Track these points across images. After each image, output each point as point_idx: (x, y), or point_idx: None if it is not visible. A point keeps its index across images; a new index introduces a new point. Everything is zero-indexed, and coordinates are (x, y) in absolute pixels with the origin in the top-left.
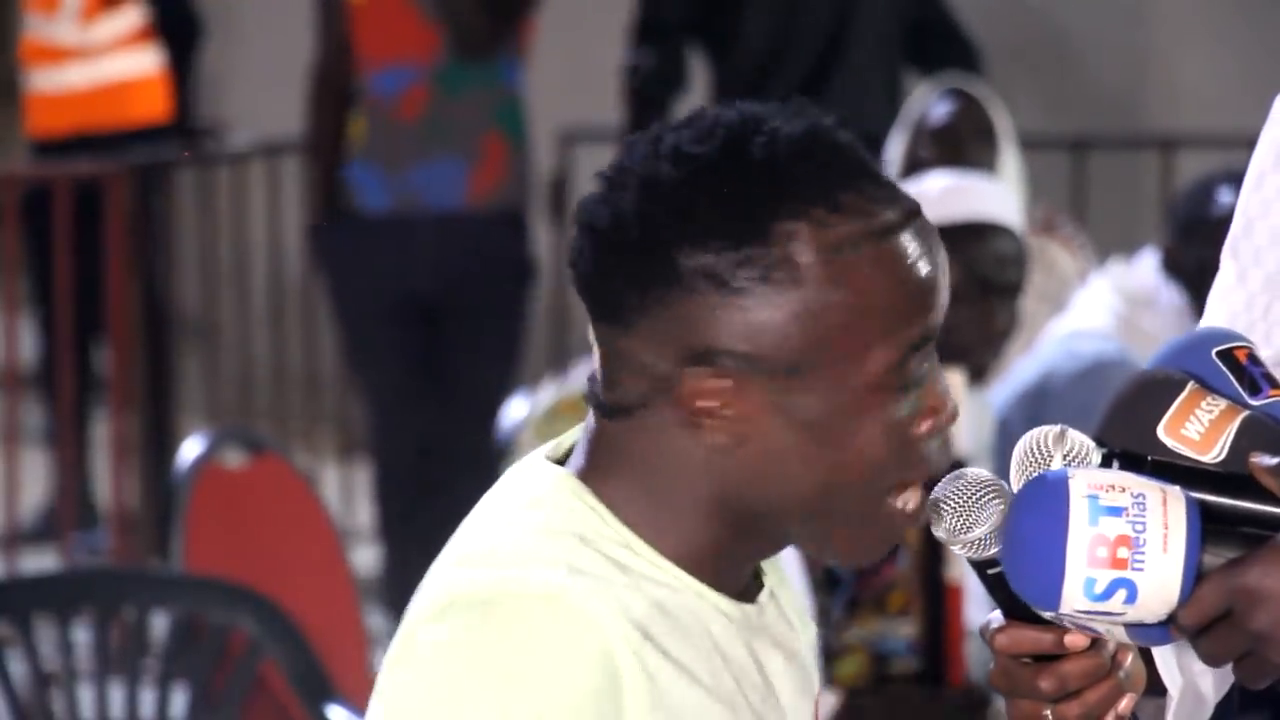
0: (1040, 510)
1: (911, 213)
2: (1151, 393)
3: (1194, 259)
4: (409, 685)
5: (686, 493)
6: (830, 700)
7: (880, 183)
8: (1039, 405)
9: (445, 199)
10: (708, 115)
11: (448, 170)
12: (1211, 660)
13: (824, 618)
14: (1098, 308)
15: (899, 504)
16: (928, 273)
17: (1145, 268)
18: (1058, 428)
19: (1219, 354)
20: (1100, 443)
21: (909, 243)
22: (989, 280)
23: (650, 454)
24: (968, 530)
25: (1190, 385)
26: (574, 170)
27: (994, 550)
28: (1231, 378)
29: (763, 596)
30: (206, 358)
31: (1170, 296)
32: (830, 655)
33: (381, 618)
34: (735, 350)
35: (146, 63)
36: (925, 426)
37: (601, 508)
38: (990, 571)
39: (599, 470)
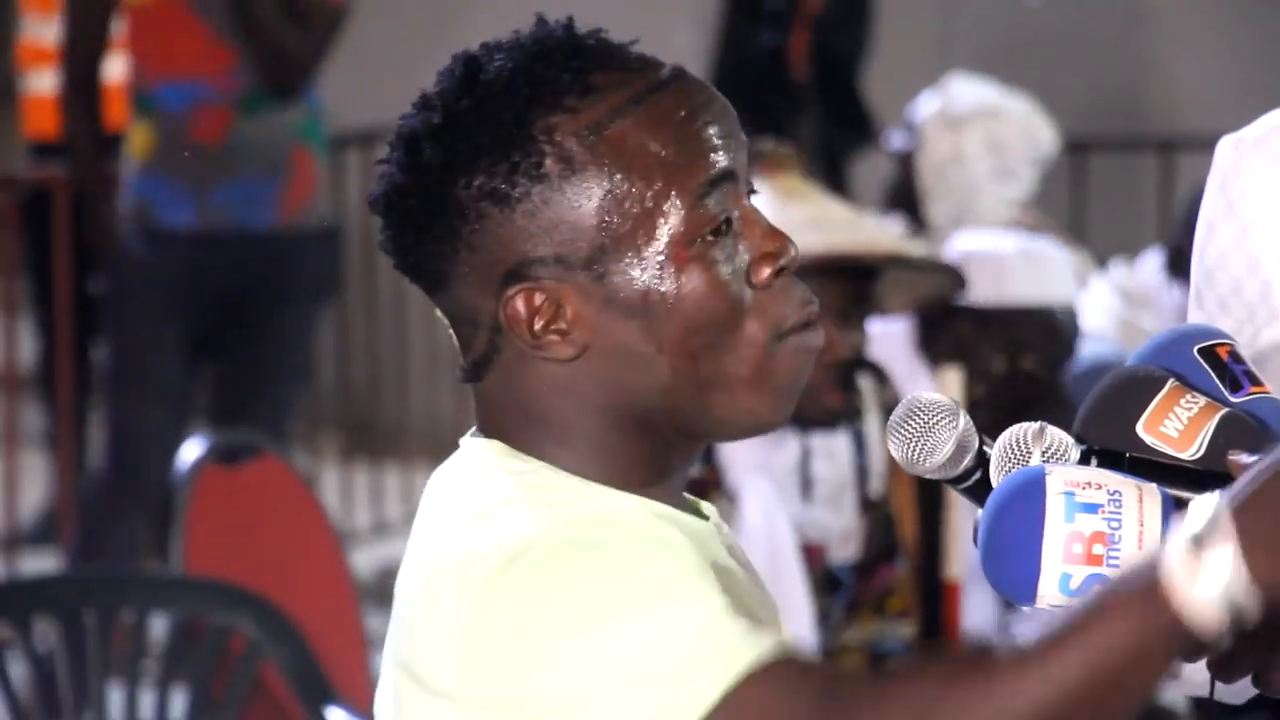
0: (1017, 506)
1: (671, 74)
2: (1131, 390)
3: None
4: (537, 609)
5: (579, 418)
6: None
7: (627, 58)
8: None
9: (256, 217)
10: (446, 67)
11: (257, 189)
12: (1187, 656)
13: (823, 619)
14: (1097, 310)
15: (791, 347)
16: (700, 121)
17: (1147, 269)
18: (1036, 425)
19: (1201, 351)
20: (1079, 439)
21: (670, 99)
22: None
23: (527, 396)
24: (927, 457)
25: (1170, 383)
26: None
27: (961, 468)
28: (1213, 375)
29: (713, 521)
30: None
31: (1172, 297)
32: (829, 655)
33: (381, 619)
34: (539, 257)
35: None
36: (766, 272)
37: (537, 462)
38: (962, 486)
39: (502, 433)
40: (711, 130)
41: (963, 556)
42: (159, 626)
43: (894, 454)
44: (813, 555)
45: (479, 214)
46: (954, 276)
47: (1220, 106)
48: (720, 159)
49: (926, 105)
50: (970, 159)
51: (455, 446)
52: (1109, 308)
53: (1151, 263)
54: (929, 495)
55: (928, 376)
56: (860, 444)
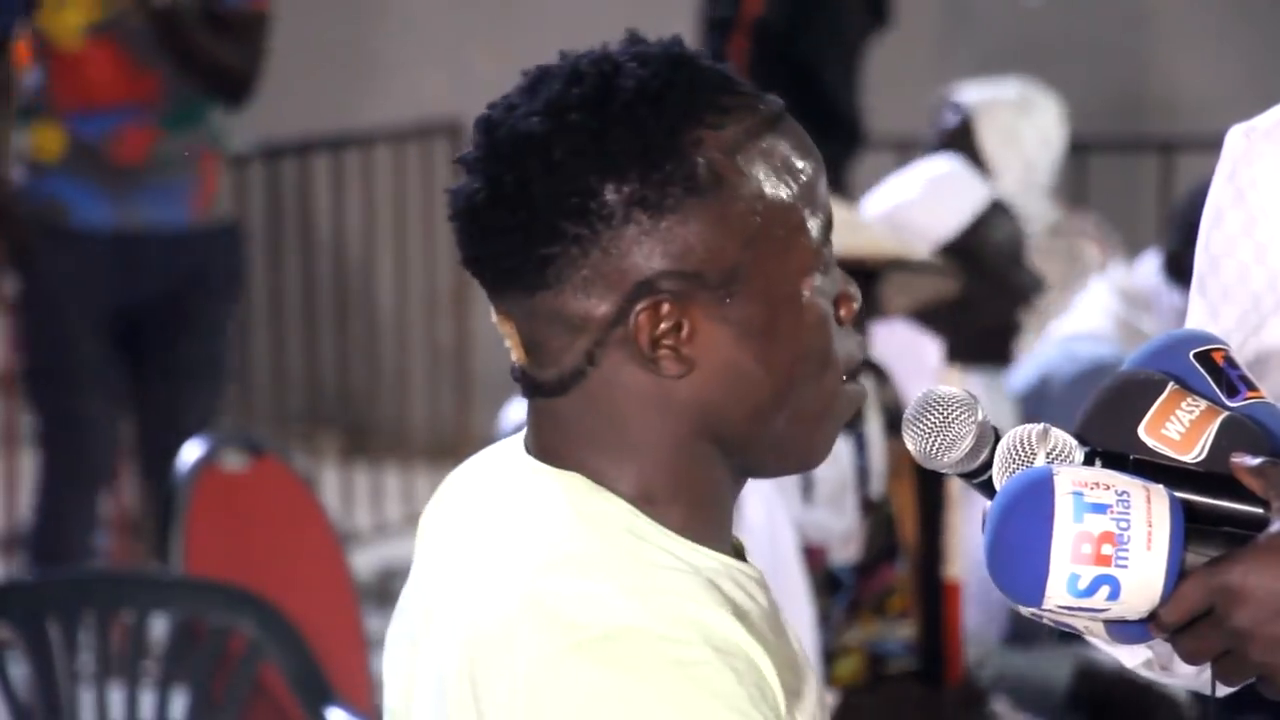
0: (1025, 507)
1: (780, 105)
2: (1132, 393)
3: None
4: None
5: (658, 440)
6: (828, 700)
7: (747, 86)
8: (1037, 408)
9: (170, 218)
10: (552, 71)
11: (171, 193)
12: (1190, 658)
13: (824, 619)
14: (1096, 310)
15: (851, 389)
16: (812, 159)
17: (1147, 270)
18: (1040, 426)
19: (1196, 356)
20: (1082, 441)
21: (791, 130)
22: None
23: (612, 412)
24: (945, 452)
25: (1170, 386)
26: None
27: (978, 463)
28: (1209, 380)
29: (749, 559)
30: None
31: (1171, 300)
32: (829, 656)
33: (381, 620)
34: (677, 270)
35: None
36: (845, 311)
37: (616, 499)
38: (977, 480)
39: (575, 452)
40: (816, 172)
41: (963, 557)
42: (159, 627)
43: (910, 448)
44: (813, 556)
45: (625, 218)
46: (953, 278)
47: (1221, 107)
48: (826, 198)
49: (975, 90)
50: (1029, 142)
51: (455, 447)
52: (1107, 308)
53: (1150, 264)
54: (929, 496)
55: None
56: (861, 445)
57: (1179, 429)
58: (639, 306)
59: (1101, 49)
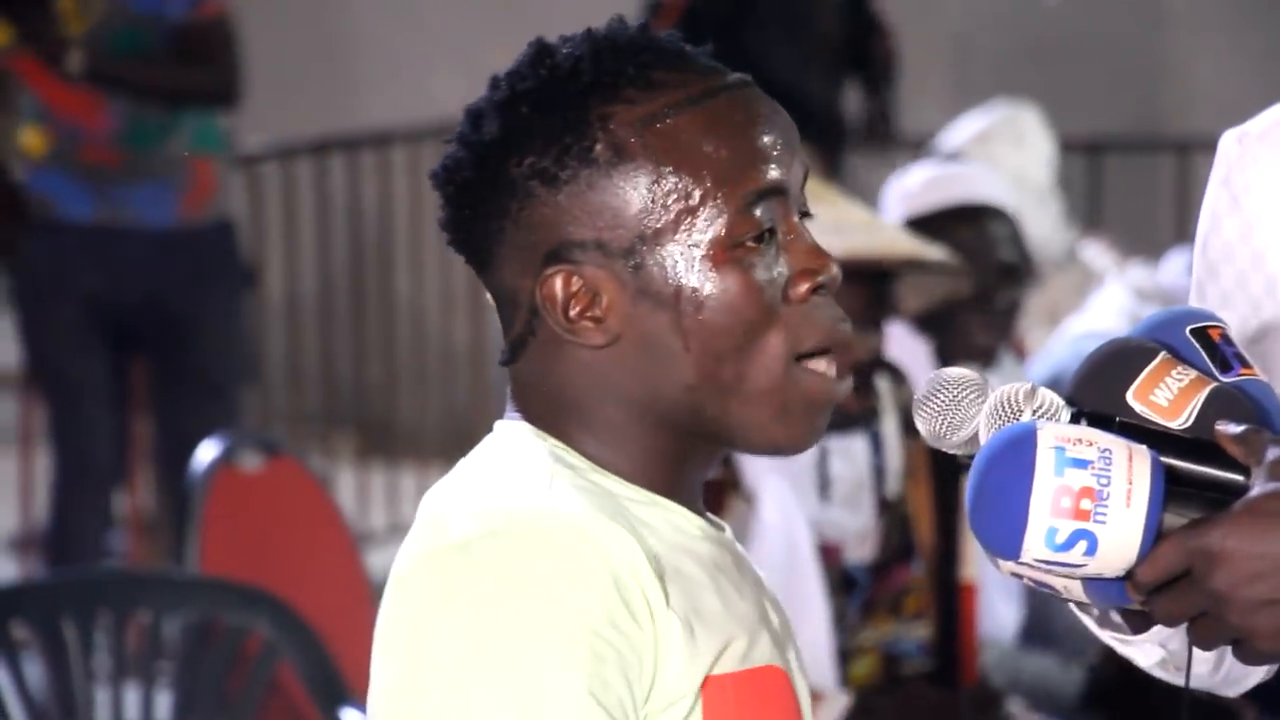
0: (1007, 459)
1: (737, 81)
2: (1123, 359)
3: None
4: (436, 619)
5: (604, 407)
6: (844, 700)
7: (697, 59)
8: None
9: (156, 217)
10: (521, 53)
11: (157, 193)
12: (1167, 620)
13: (839, 620)
14: (1111, 309)
15: (810, 371)
16: (757, 130)
17: (1173, 269)
18: (1028, 384)
19: (1193, 331)
20: (1070, 404)
21: (730, 104)
22: (986, 260)
23: (558, 379)
24: (953, 433)
25: (1162, 354)
26: None
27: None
28: (1204, 354)
29: (726, 533)
30: None
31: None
32: (844, 656)
33: None
34: (580, 240)
35: None
36: (803, 287)
37: (563, 446)
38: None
39: (532, 416)
40: (766, 141)
41: (979, 557)
42: (174, 627)
43: (920, 429)
44: (829, 555)
45: (527, 192)
46: (967, 279)
47: (1237, 107)
48: (773, 171)
49: (965, 129)
50: (1033, 171)
51: (471, 447)
52: (1122, 307)
53: (1176, 264)
54: (945, 496)
55: None
56: (877, 444)
57: (1167, 396)
58: (545, 274)
59: (1118, 49)
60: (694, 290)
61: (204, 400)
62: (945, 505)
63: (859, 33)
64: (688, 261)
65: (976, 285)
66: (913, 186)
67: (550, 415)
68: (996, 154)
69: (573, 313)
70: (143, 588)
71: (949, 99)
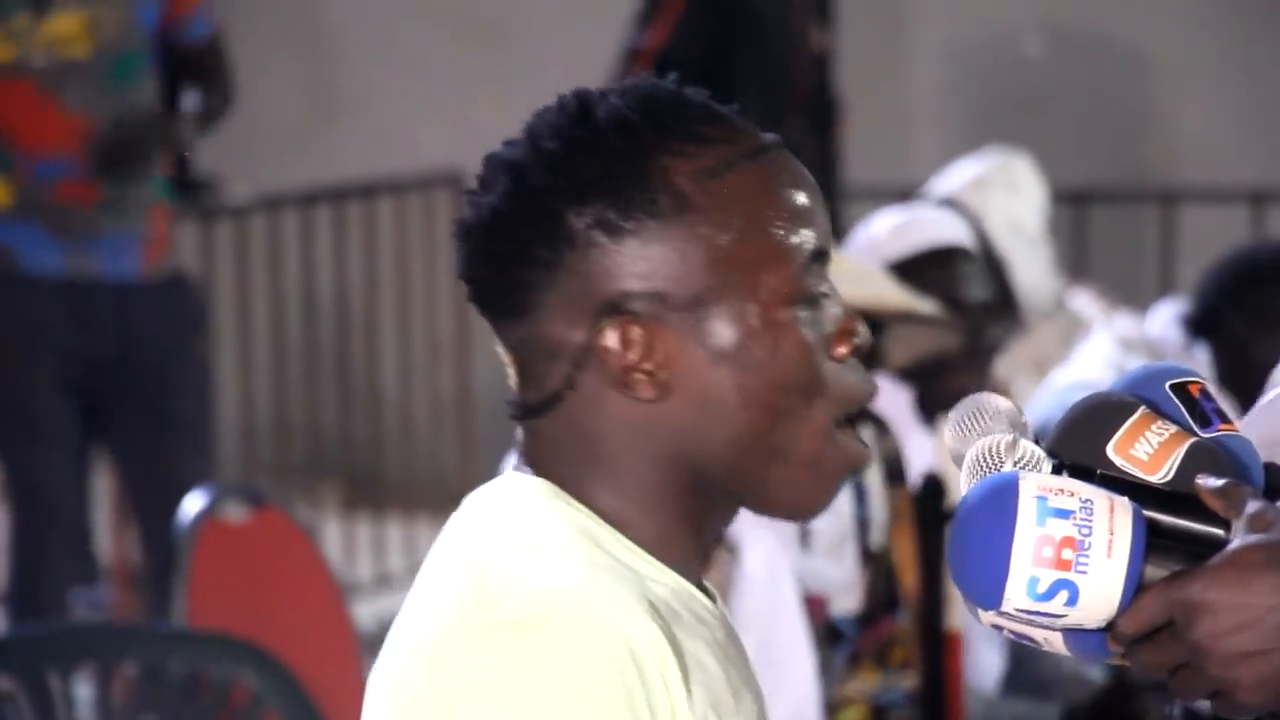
0: (989, 508)
1: (773, 141)
2: (1103, 413)
3: (1240, 324)
4: (447, 705)
5: (639, 464)
6: None
7: (735, 119)
8: None
9: (121, 270)
10: (550, 106)
11: (123, 244)
12: (1147, 671)
13: (825, 671)
14: (1097, 360)
15: (846, 438)
16: (804, 191)
17: (1161, 321)
18: (1010, 436)
19: (1173, 387)
20: (1051, 455)
21: (779, 162)
22: (958, 300)
23: (594, 435)
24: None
25: (1141, 409)
26: None
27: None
28: (1184, 409)
29: (718, 604)
30: None
31: (1192, 357)
32: (831, 708)
33: None
34: (641, 291)
35: None
36: (842, 349)
37: (582, 506)
38: None
39: (551, 472)
40: (808, 202)
41: (963, 606)
42: (161, 679)
43: (947, 442)
44: (814, 607)
45: (588, 241)
46: (956, 333)
47: (1221, 158)
48: (819, 233)
49: (959, 175)
50: (1027, 220)
51: (458, 498)
52: (1108, 358)
53: (1163, 315)
54: (930, 545)
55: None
56: (861, 495)
57: (1147, 450)
58: (606, 326)
59: (1102, 99)
60: (755, 347)
61: (183, 450)
62: (930, 555)
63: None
64: (750, 318)
65: (963, 337)
66: (879, 234)
67: (575, 472)
68: (990, 200)
69: (628, 363)
70: (129, 639)
71: (933, 149)
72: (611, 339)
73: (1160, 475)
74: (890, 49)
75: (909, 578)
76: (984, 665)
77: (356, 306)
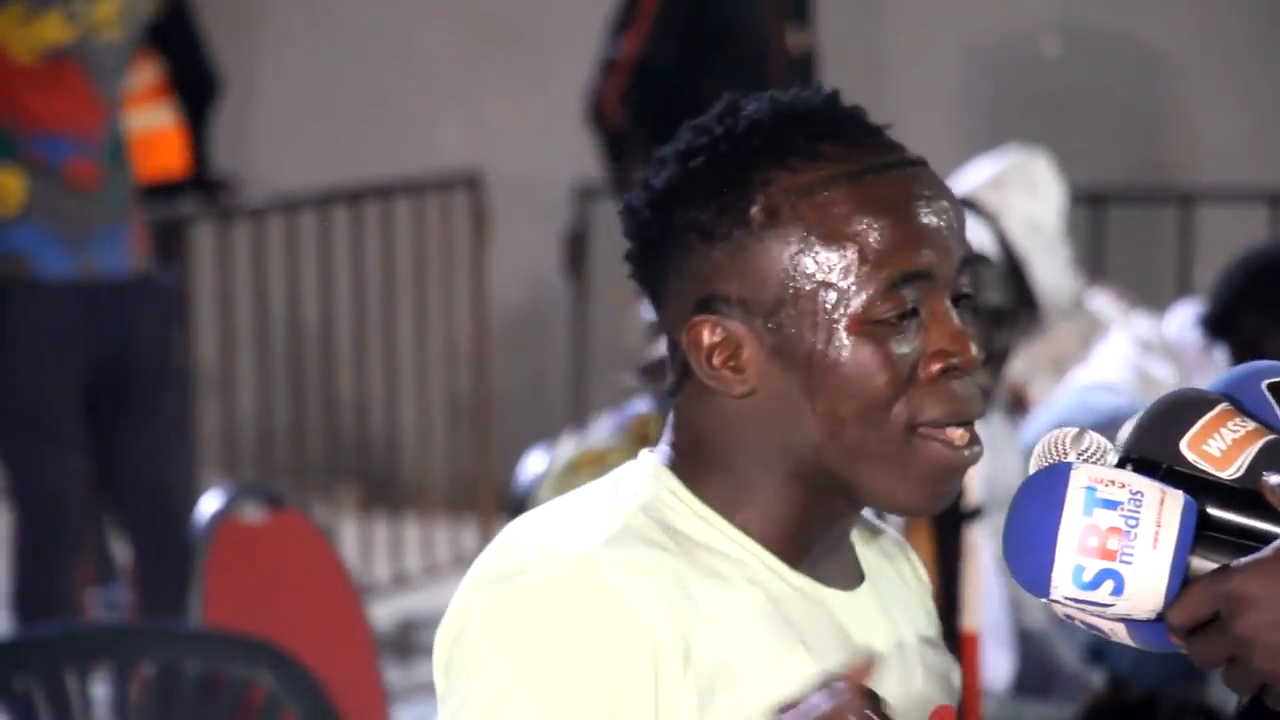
0: (1038, 497)
1: (905, 161)
2: (1182, 408)
3: (1255, 323)
4: (469, 639)
5: (739, 456)
6: None
7: (871, 135)
8: None
9: (118, 266)
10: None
11: (116, 237)
12: (1201, 663)
13: None
14: (1115, 361)
15: (932, 438)
16: (915, 214)
17: (1180, 322)
18: (1076, 429)
19: (1269, 385)
20: (1127, 454)
21: (892, 184)
22: (975, 306)
23: (702, 423)
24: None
25: (1221, 405)
26: (592, 225)
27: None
28: (1277, 408)
29: (862, 588)
30: (225, 412)
31: (1212, 359)
32: None
33: (400, 672)
34: (728, 295)
35: (164, 118)
36: (935, 368)
37: (678, 484)
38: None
39: (676, 449)
40: (922, 224)
41: (981, 609)
42: (178, 679)
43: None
44: None
45: (686, 243)
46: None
47: (1239, 159)
48: (923, 255)
49: (977, 174)
50: (1046, 222)
51: (474, 499)
52: (1127, 358)
53: (1183, 316)
54: (947, 546)
55: None
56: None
57: (1220, 446)
58: (692, 321)
59: (1120, 100)
60: (825, 356)
61: (169, 445)
62: (947, 555)
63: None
64: (824, 329)
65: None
66: None
67: (691, 453)
68: (1009, 199)
69: (715, 361)
70: (146, 640)
71: (949, 150)
72: (698, 335)
73: (1231, 471)
74: (907, 48)
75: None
76: (993, 666)
77: (374, 307)
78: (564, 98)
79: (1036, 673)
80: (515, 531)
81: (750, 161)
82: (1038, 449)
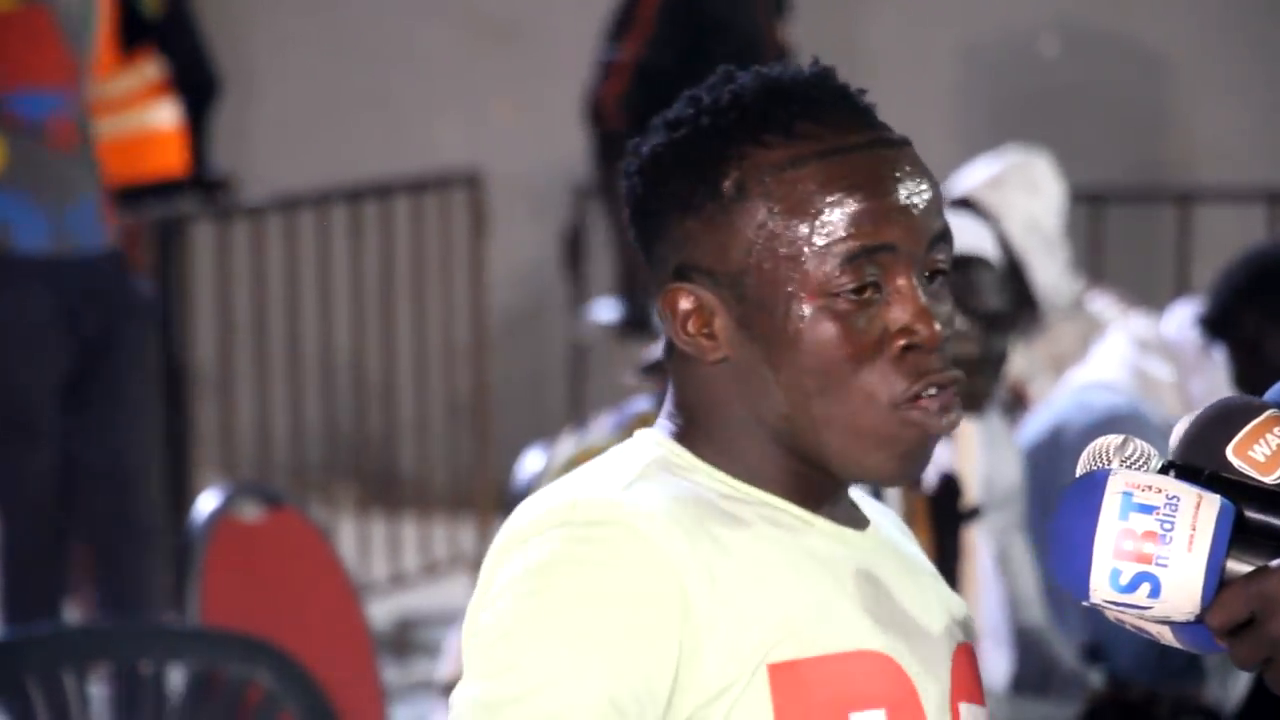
0: (1077, 502)
1: (882, 140)
2: (1229, 414)
3: (1253, 323)
4: (495, 613)
5: (721, 420)
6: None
7: (853, 115)
8: (1049, 458)
9: (93, 239)
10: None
11: (90, 209)
12: (1241, 665)
13: None
14: (1114, 360)
15: (912, 411)
16: (883, 190)
17: (1177, 322)
18: (1122, 437)
19: None
20: (1174, 459)
21: (864, 161)
22: (974, 309)
23: (688, 388)
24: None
25: (1269, 412)
26: (591, 225)
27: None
28: None
29: (869, 529)
30: (223, 411)
31: (1210, 358)
32: None
33: (398, 671)
34: (700, 265)
35: (164, 117)
36: (897, 344)
37: (679, 448)
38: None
39: (672, 419)
40: (890, 201)
41: (980, 610)
42: (176, 678)
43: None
44: None
45: (667, 211)
46: (974, 342)
47: (1238, 158)
48: (889, 231)
49: (977, 174)
50: (1046, 222)
51: (473, 498)
52: (1125, 358)
53: (1181, 315)
54: (946, 547)
55: None
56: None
57: (1266, 451)
58: (668, 288)
59: (1119, 100)
60: (786, 328)
61: (147, 430)
62: (946, 555)
63: None
64: (784, 302)
65: (977, 346)
66: None
67: (683, 417)
68: (1009, 200)
69: (690, 328)
70: (144, 639)
71: (948, 150)
72: (673, 301)
73: (1275, 477)
74: (906, 48)
75: None
76: (991, 665)
77: (373, 305)
78: (564, 98)
79: (1034, 671)
80: (534, 499)
81: (728, 135)
82: (1083, 456)
